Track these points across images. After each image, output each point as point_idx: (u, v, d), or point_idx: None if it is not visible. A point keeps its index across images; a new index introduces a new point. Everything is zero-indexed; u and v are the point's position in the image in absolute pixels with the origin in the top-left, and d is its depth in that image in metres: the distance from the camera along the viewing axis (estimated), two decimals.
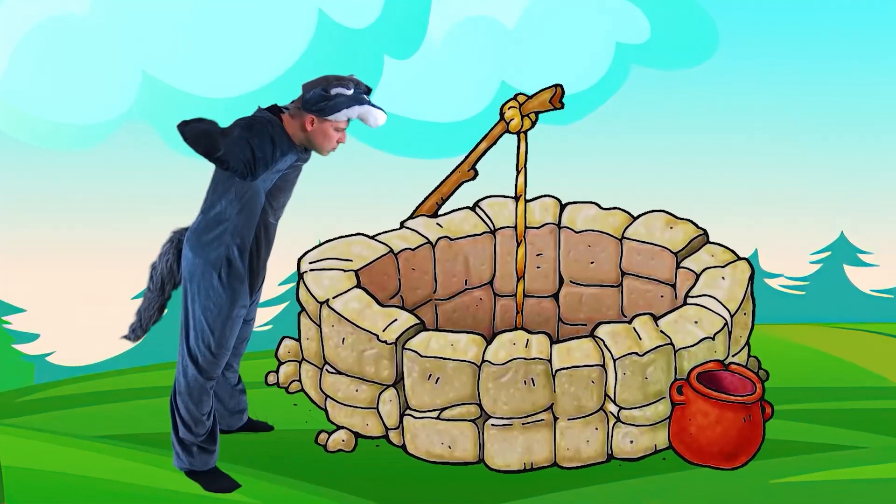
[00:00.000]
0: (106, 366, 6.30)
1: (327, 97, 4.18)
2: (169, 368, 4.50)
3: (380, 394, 4.73)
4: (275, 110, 4.27)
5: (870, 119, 7.31)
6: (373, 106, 4.26)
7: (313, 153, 4.34)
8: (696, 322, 4.74)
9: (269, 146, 4.10)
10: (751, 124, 7.26)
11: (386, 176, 6.86)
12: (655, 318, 4.75)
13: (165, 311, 4.54)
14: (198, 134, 4.04)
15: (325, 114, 4.19)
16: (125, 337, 4.56)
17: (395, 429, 4.73)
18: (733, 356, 4.95)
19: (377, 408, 4.76)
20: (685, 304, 4.90)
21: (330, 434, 4.84)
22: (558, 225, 5.60)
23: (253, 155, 4.05)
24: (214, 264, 4.23)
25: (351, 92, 4.21)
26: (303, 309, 5.03)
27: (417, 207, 5.59)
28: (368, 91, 4.30)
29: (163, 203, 6.59)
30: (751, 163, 7.26)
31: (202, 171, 4.31)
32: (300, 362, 5.23)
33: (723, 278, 5.02)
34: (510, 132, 5.28)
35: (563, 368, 4.50)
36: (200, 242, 4.25)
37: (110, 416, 5.26)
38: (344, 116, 4.22)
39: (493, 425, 4.56)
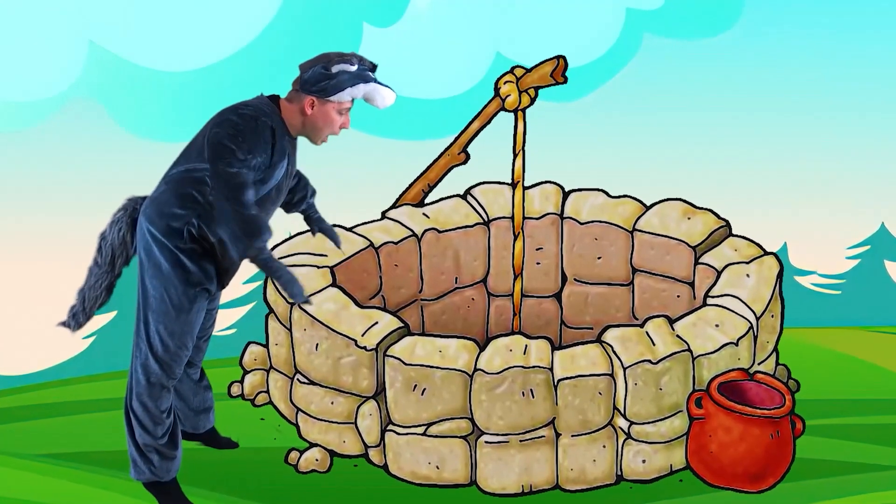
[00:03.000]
0: (49, 374, 6.29)
1: (329, 75, 4.21)
2: (122, 377, 4.46)
3: (358, 407, 4.72)
4: (275, 99, 4.31)
5: None
6: (380, 84, 4.26)
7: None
8: (717, 325, 4.74)
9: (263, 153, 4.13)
10: (778, 102, 7.28)
11: (366, 160, 6.86)
12: (671, 321, 4.75)
13: (112, 293, 4.48)
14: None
15: (327, 94, 4.23)
16: (63, 324, 4.48)
17: (375, 446, 4.72)
18: (759, 364, 4.95)
19: (355, 423, 4.75)
20: (705, 304, 4.91)
21: (302, 452, 4.83)
22: (561, 215, 5.60)
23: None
24: (179, 232, 4.17)
25: (355, 68, 4.24)
26: (271, 311, 5.02)
27: (401, 195, 5.59)
28: (374, 68, 4.30)
29: (113, 188, 6.49)
30: (779, 145, 7.28)
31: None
32: (268, 371, 5.22)
33: (747, 276, 5.02)
34: (506, 110, 5.28)
35: (567, 378, 4.50)
36: (162, 212, 4.19)
37: (54, 432, 5.26)
38: (348, 96, 4.25)
39: (486, 443, 4.56)
